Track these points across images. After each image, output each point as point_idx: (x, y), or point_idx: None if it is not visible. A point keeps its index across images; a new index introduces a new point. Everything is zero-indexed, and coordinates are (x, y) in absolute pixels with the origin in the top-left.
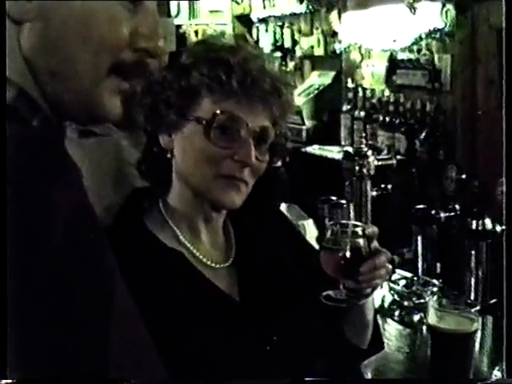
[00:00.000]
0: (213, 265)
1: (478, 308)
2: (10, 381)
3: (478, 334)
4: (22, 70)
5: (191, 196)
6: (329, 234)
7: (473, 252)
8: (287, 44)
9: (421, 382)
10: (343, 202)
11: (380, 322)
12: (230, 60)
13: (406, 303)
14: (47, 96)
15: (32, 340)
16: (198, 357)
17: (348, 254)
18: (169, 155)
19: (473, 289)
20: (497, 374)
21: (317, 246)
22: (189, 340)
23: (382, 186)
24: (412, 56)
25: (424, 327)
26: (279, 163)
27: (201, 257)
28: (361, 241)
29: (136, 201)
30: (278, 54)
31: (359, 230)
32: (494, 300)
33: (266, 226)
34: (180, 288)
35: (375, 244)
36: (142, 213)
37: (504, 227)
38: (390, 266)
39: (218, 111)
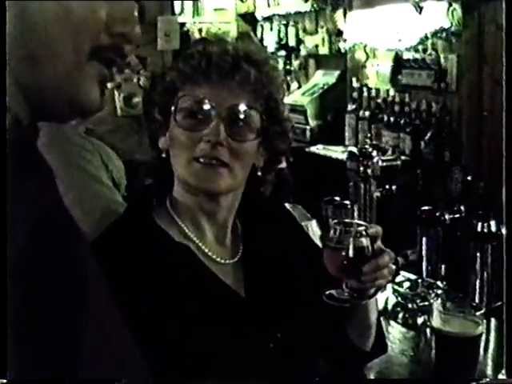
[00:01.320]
0: (219, 260)
1: (483, 311)
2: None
3: (483, 338)
4: None
5: (184, 189)
6: (332, 233)
7: (478, 254)
8: (292, 43)
9: (419, 382)
10: (347, 202)
11: (384, 324)
12: (195, 50)
13: (410, 305)
14: (24, 91)
15: (27, 341)
16: (201, 351)
17: (351, 253)
18: (164, 155)
19: (478, 291)
20: (502, 377)
21: (321, 246)
22: (192, 334)
23: (387, 186)
24: (418, 56)
25: (428, 330)
26: (284, 164)
27: (207, 251)
28: (364, 240)
29: (145, 197)
30: (283, 52)
31: (363, 230)
32: (499, 303)
33: (273, 224)
34: (186, 281)
35: (379, 244)
36: (151, 208)
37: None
38: (394, 266)
39: (181, 94)
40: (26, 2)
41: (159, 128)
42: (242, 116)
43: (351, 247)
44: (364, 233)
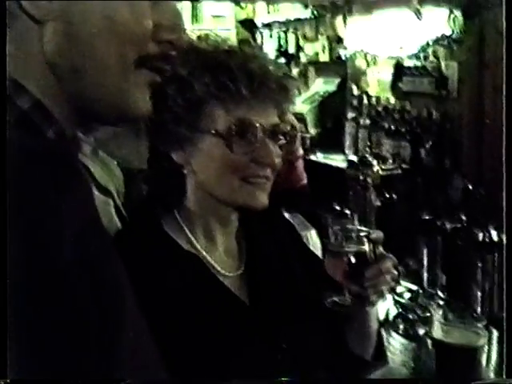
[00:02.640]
0: (224, 272)
1: (484, 322)
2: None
3: (485, 349)
4: (42, 74)
5: (214, 204)
6: (333, 239)
7: (479, 264)
8: (291, 50)
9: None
10: (347, 211)
11: (384, 335)
12: (231, 64)
13: (410, 316)
14: (71, 99)
15: (33, 341)
16: (208, 361)
17: (353, 258)
18: (185, 171)
19: (479, 302)
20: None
21: (320, 256)
22: (198, 344)
23: (387, 195)
24: (419, 63)
25: (429, 341)
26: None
27: (214, 264)
28: (366, 246)
29: (152, 205)
30: (282, 59)
31: (364, 235)
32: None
33: (274, 233)
34: (194, 291)
35: (380, 249)
36: (160, 215)
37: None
38: (396, 272)
39: (234, 121)
40: (72, 15)
41: (175, 142)
42: (281, 133)
43: (353, 252)
44: (365, 238)
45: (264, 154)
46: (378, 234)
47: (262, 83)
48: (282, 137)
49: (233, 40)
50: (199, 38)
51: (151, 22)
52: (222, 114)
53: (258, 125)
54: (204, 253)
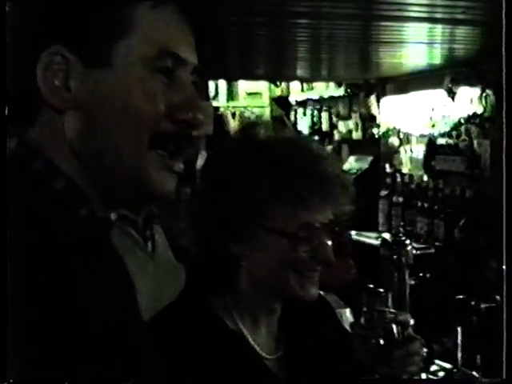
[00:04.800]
0: (266, 355)
1: None
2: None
3: None
4: (69, 160)
5: (265, 295)
6: (362, 320)
7: None
8: (325, 127)
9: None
10: (381, 290)
11: None
12: (298, 165)
13: None
14: (97, 182)
15: (33, 342)
16: None
17: (381, 340)
18: (243, 262)
19: None
20: None
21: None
22: None
23: (421, 274)
24: (451, 141)
25: None
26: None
27: (256, 347)
28: (394, 327)
29: (202, 283)
30: (316, 137)
31: (392, 317)
32: None
33: (313, 313)
34: (237, 371)
35: (409, 331)
36: (209, 295)
37: None
38: (425, 354)
39: (299, 224)
40: (89, 103)
41: (235, 235)
42: (335, 229)
43: (381, 334)
44: (394, 320)
45: (323, 251)
46: (405, 316)
47: (327, 186)
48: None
49: (267, 116)
50: (233, 115)
51: (164, 103)
52: (286, 215)
53: (318, 225)
54: (248, 335)
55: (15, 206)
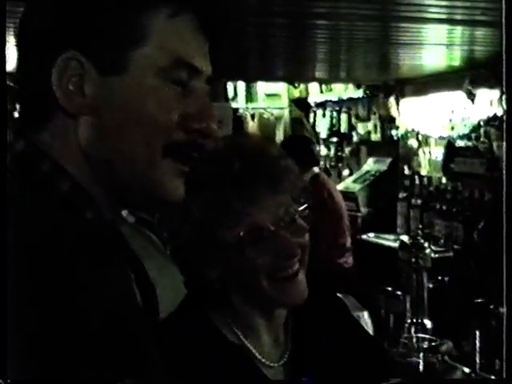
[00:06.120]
0: (269, 363)
1: None
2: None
3: None
4: (79, 163)
5: (257, 308)
6: (400, 347)
7: None
8: (344, 129)
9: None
10: (399, 293)
11: None
12: (219, 173)
13: None
14: (105, 186)
15: (33, 342)
16: None
17: (422, 369)
18: (218, 285)
19: None
20: None
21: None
22: None
23: (439, 277)
24: (470, 143)
25: None
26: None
27: (259, 356)
28: (435, 357)
29: (199, 298)
30: (335, 139)
31: (433, 346)
32: None
33: (326, 316)
34: (235, 381)
35: (447, 358)
36: (207, 307)
37: None
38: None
39: (239, 233)
40: (103, 109)
41: (207, 261)
42: (295, 216)
43: (421, 364)
44: (436, 349)
45: (282, 247)
46: (447, 345)
47: (252, 187)
48: (296, 221)
49: (286, 118)
50: (253, 116)
51: (178, 112)
52: (226, 229)
53: (263, 225)
54: (249, 344)
55: (21, 206)
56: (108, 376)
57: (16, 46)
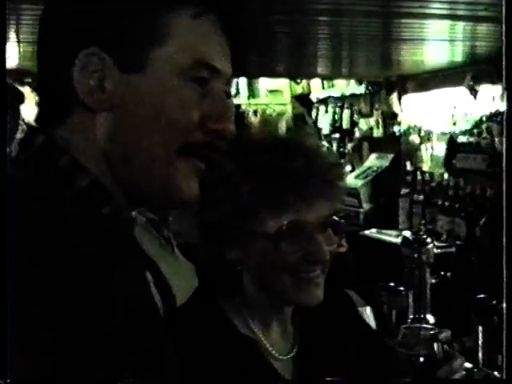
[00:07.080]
0: (278, 356)
1: None
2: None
3: None
4: (97, 159)
5: (271, 298)
6: (400, 337)
7: None
8: (346, 125)
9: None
10: (402, 288)
11: None
12: (276, 167)
13: None
14: (123, 183)
15: (34, 342)
16: None
17: (422, 359)
18: (242, 267)
19: None
20: None
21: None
22: None
23: (442, 273)
24: (472, 139)
25: None
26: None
27: (269, 347)
28: (435, 345)
29: (212, 288)
30: (337, 135)
31: (432, 335)
32: None
33: (333, 311)
34: (248, 375)
35: (447, 347)
36: (219, 296)
37: None
38: (464, 371)
39: (283, 224)
40: (122, 106)
41: (229, 241)
42: (331, 224)
43: (422, 353)
44: (435, 338)
45: (316, 252)
46: (446, 333)
47: (308, 185)
48: (329, 229)
49: (289, 114)
50: (255, 112)
51: (198, 112)
52: (269, 217)
53: (308, 224)
54: (261, 336)
55: (38, 201)
56: (123, 375)
57: (37, 41)
